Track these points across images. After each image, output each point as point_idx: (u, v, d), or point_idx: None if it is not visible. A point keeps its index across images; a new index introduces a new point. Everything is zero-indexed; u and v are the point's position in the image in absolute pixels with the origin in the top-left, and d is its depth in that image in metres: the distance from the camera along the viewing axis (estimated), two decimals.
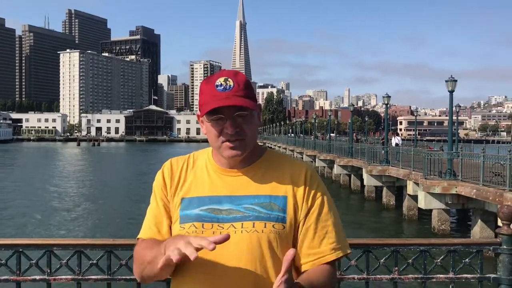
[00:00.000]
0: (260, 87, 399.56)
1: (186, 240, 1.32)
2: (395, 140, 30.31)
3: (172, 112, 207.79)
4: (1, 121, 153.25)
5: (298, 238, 1.57)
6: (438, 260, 2.36)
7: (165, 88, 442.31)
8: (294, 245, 1.55)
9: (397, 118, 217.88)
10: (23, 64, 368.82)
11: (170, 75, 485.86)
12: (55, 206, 23.47)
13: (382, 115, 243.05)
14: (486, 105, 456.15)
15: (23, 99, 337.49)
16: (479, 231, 15.50)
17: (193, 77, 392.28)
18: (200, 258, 1.41)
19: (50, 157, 68.49)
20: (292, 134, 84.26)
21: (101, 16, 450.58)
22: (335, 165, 31.81)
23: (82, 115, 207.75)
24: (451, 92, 18.37)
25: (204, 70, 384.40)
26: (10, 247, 2.24)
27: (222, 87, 1.49)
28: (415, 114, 62.45)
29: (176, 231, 1.56)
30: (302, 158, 46.00)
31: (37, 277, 2.26)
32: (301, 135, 64.75)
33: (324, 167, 37.62)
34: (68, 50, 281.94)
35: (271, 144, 77.54)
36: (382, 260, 2.34)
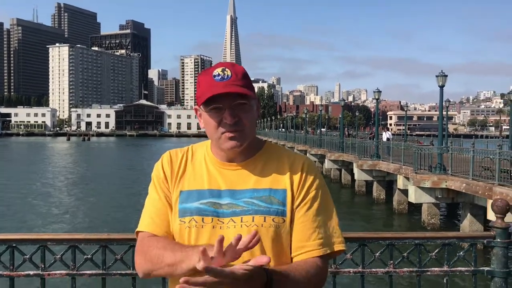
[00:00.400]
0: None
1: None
2: (386, 135, 30.53)
3: (163, 107, 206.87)
4: None
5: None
6: (433, 254, 2.38)
7: (156, 83, 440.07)
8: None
9: (387, 113, 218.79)
10: (12, 58, 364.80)
11: (160, 70, 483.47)
12: (48, 201, 23.34)
13: (372, 110, 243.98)
14: (475, 100, 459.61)
15: (12, 93, 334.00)
16: (468, 224, 15.66)
17: (183, 71, 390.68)
18: None
19: (40, 152, 67.96)
20: (283, 129, 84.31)
21: (90, 10, 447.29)
22: (326, 160, 31.91)
23: (72, 109, 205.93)
24: (441, 87, 18.47)
25: (194, 65, 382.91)
26: (3, 242, 2.22)
27: (220, 77, 1.47)
28: (405, 109, 62.81)
29: (176, 225, 1.54)
30: None
31: (31, 272, 2.25)
32: (292, 130, 64.82)
33: (315, 161, 37.68)
34: (57, 44, 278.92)
35: (262, 139, 77.41)
36: (377, 254, 2.35)
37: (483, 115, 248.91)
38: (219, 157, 1.58)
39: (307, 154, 39.63)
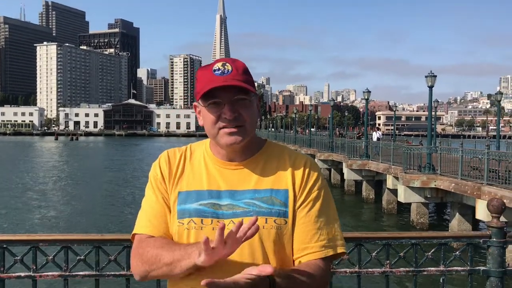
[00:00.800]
0: None
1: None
2: (376, 135, 30.61)
3: (152, 106, 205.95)
4: None
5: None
6: (429, 253, 2.37)
7: (145, 82, 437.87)
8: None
9: (376, 113, 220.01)
10: None
11: (149, 69, 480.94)
12: (38, 201, 23.12)
13: (361, 110, 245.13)
14: (462, 100, 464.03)
15: None
16: (457, 224, 15.78)
17: (172, 71, 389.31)
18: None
19: (28, 151, 67.27)
20: (273, 129, 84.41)
21: (79, 8, 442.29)
22: (315, 159, 31.96)
23: (60, 109, 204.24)
24: (431, 87, 18.59)
25: (184, 64, 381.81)
26: None
27: (220, 71, 1.43)
28: (394, 109, 63.10)
29: (174, 227, 1.50)
30: None
31: (22, 274, 2.20)
32: (282, 129, 64.93)
33: None
34: (45, 43, 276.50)
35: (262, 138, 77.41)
36: (374, 254, 2.34)
37: (470, 116, 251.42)
38: (219, 156, 1.54)
39: None
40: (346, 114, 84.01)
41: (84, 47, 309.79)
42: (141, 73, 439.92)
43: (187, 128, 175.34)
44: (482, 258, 2.78)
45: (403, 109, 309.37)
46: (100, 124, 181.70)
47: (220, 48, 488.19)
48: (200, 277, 1.39)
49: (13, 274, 2.19)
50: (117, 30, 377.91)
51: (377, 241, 2.36)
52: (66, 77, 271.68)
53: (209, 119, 1.46)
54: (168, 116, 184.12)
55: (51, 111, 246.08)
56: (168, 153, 1.62)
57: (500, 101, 29.23)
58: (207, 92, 1.43)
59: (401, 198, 17.37)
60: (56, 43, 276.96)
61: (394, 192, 19.28)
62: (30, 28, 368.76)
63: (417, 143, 30.25)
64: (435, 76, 18.59)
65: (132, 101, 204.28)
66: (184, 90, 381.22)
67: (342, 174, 27.01)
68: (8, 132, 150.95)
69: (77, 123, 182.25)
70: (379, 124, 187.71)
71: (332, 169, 30.30)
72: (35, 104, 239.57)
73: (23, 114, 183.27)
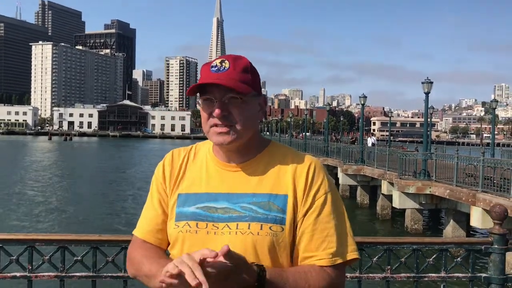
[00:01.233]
0: None
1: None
2: (371, 140, 30.74)
3: (147, 108, 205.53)
4: None
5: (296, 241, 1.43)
6: (431, 259, 2.36)
7: (140, 83, 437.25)
8: (293, 248, 1.42)
9: (371, 119, 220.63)
10: None
11: (145, 70, 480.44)
12: (35, 200, 22.95)
13: (356, 115, 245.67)
14: (457, 107, 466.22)
15: None
16: (451, 231, 15.80)
17: (168, 72, 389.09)
18: None
19: (21, 151, 66.90)
20: (268, 133, 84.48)
21: (75, 8, 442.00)
22: None
23: (54, 108, 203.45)
24: (427, 93, 18.66)
25: (180, 66, 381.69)
26: None
27: (216, 68, 1.40)
28: (389, 115, 63.33)
29: (171, 229, 1.48)
30: None
31: (18, 274, 2.16)
32: (276, 133, 65.01)
33: None
34: (40, 42, 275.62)
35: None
36: (375, 259, 2.32)
37: (464, 123, 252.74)
38: (219, 156, 1.50)
39: None
40: (341, 119, 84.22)
41: (80, 47, 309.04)
42: (137, 74, 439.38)
43: (181, 130, 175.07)
44: (482, 265, 2.76)
45: (398, 115, 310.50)
46: (95, 124, 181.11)
47: (217, 51, 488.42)
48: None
49: (8, 274, 2.15)
50: (113, 30, 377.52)
51: (378, 246, 2.34)
52: (61, 76, 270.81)
53: (203, 115, 1.44)
54: (163, 118, 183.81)
55: (45, 110, 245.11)
56: (173, 153, 1.59)
57: (495, 108, 29.36)
58: (202, 89, 1.41)
59: (396, 203, 17.38)
60: (52, 42, 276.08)
61: (389, 197, 19.30)
62: (26, 27, 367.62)
63: (412, 149, 30.37)
64: (432, 83, 18.67)
65: (127, 102, 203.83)
66: (179, 92, 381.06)
67: (337, 179, 27.01)
68: (1, 131, 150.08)
69: (71, 123, 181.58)
70: (373, 130, 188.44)
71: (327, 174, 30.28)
72: (29, 104, 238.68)
73: (16, 113, 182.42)
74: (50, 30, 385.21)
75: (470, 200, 13.53)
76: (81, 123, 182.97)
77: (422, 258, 2.34)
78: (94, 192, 26.54)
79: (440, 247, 2.37)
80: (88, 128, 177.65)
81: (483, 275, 2.38)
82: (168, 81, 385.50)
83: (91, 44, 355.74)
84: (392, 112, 64.57)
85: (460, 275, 2.40)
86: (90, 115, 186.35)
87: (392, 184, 18.24)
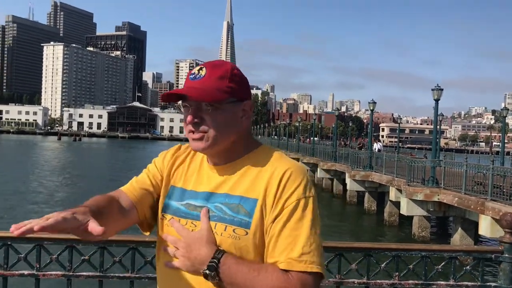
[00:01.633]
0: None
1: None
2: (377, 146, 30.60)
3: (156, 110, 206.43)
4: None
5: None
6: (439, 267, 2.33)
7: (150, 86, 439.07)
8: (261, 255, 1.36)
9: (380, 125, 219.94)
10: (5, 55, 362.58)
11: (155, 73, 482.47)
12: (43, 199, 23.12)
13: (365, 121, 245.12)
14: (466, 115, 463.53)
15: (4, 90, 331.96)
16: (459, 239, 15.69)
17: (178, 75, 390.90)
18: (165, 257, 1.43)
19: (31, 150, 67.41)
20: (276, 136, 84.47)
21: (87, 10, 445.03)
22: (318, 169, 31.91)
23: (64, 109, 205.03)
24: (437, 100, 18.57)
25: (189, 69, 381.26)
26: None
27: (193, 75, 1.41)
28: (398, 122, 63.02)
29: (158, 218, 1.52)
30: None
31: (25, 272, 2.17)
32: (284, 137, 64.95)
33: (307, 170, 37.73)
34: (52, 43, 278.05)
35: (258, 143, 77.63)
36: (383, 265, 2.31)
37: (474, 131, 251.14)
38: (208, 158, 1.53)
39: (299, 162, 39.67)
40: (350, 124, 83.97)
41: (91, 49, 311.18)
42: (147, 76, 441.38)
43: None
44: (492, 274, 2.73)
45: (407, 121, 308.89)
46: (104, 125, 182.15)
47: (226, 54, 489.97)
48: (162, 280, 1.50)
49: (16, 272, 2.16)
50: (124, 32, 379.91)
51: (386, 253, 2.32)
52: (71, 77, 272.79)
53: (184, 121, 1.46)
54: (171, 120, 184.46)
55: (55, 111, 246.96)
56: (180, 146, 1.62)
57: (506, 117, 29.14)
58: (182, 96, 1.42)
59: (404, 210, 17.29)
60: (63, 43, 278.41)
61: (397, 204, 19.21)
62: (38, 28, 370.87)
63: (421, 156, 30.21)
64: (442, 90, 18.57)
65: (136, 104, 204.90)
66: None
67: (344, 185, 26.94)
68: (11, 130, 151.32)
69: (80, 124, 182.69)
70: (382, 136, 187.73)
71: (335, 179, 30.23)
72: (39, 104, 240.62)
73: (27, 113, 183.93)
74: (61, 31, 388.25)
75: (479, 209, 13.42)
76: (90, 124, 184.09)
77: (430, 265, 2.32)
78: (103, 192, 26.62)
79: (449, 254, 2.35)
80: (97, 129, 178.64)
81: (493, 284, 2.36)
82: (177, 83, 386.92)
83: (102, 46, 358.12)
84: (401, 118, 64.45)
85: (469, 283, 2.37)
86: (100, 116, 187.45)
87: (400, 190, 18.15)
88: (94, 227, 1.21)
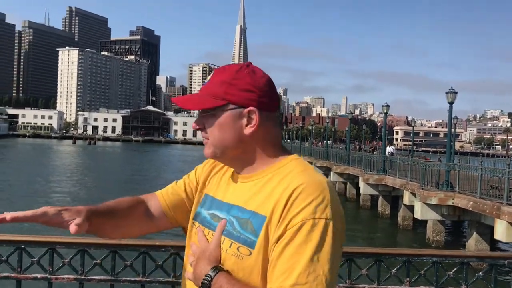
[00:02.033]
0: None
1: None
2: (389, 149, 30.45)
3: (170, 114, 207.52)
4: None
5: None
6: (451, 272, 2.31)
7: (163, 89, 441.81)
8: (266, 277, 1.23)
9: (394, 128, 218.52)
10: (22, 60, 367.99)
11: (168, 77, 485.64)
12: (58, 202, 23.34)
13: (379, 124, 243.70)
14: (482, 118, 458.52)
15: (20, 95, 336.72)
16: (474, 243, 15.49)
17: (191, 79, 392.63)
18: (187, 265, 1.42)
19: (46, 154, 68.21)
20: (288, 140, 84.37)
21: (102, 15, 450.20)
22: (331, 173, 31.79)
23: (79, 113, 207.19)
24: (451, 103, 18.41)
25: (203, 73, 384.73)
26: (11, 244, 2.18)
27: (205, 81, 1.42)
28: (412, 125, 62.60)
29: (190, 225, 1.48)
30: None
31: (39, 276, 2.20)
32: (297, 141, 64.87)
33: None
34: (67, 48, 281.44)
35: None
36: (393, 270, 2.29)
37: (489, 134, 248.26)
38: None
39: (313, 166, 39.56)
40: (363, 127, 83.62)
41: (105, 53, 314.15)
42: (160, 80, 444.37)
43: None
44: (505, 280, 2.70)
45: (422, 124, 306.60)
46: (118, 129, 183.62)
47: (239, 58, 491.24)
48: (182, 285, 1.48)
49: (30, 275, 2.19)
50: (138, 37, 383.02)
51: (397, 258, 2.31)
52: (86, 81, 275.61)
53: None
54: (185, 123, 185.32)
55: (70, 114, 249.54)
56: None
57: None
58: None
59: (418, 214, 17.14)
60: (78, 48, 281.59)
61: (411, 208, 19.06)
62: (53, 33, 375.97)
63: (435, 159, 29.94)
64: (456, 93, 18.42)
65: (150, 107, 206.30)
66: None
67: (358, 188, 26.81)
68: (27, 134, 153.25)
69: (95, 128, 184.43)
70: (396, 139, 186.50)
71: (348, 183, 30.09)
72: (55, 108, 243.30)
73: (42, 117, 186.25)
74: (76, 36, 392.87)
75: (495, 213, 13.25)
76: (105, 127, 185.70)
77: (442, 271, 2.30)
78: (116, 195, 26.81)
79: (460, 260, 2.32)
80: (111, 132, 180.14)
81: None
82: (191, 87, 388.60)
83: (116, 50, 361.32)
84: (415, 121, 63.74)
85: None
86: (114, 120, 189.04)
87: (414, 194, 18.01)
88: (71, 226, 1.32)
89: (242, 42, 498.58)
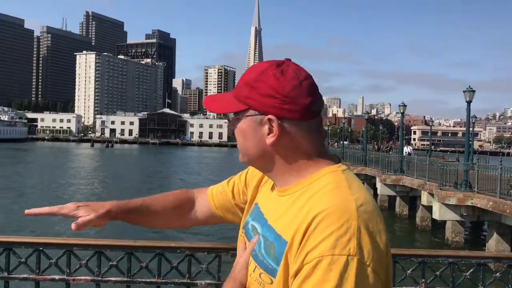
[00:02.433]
0: None
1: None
2: (406, 149, 30.16)
3: (186, 116, 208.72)
4: (17, 120, 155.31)
5: None
6: (467, 273, 2.29)
7: (179, 92, 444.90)
8: None
9: (411, 128, 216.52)
10: (40, 65, 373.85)
11: (184, 79, 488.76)
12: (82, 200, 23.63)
13: (396, 124, 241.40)
14: (501, 117, 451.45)
15: (39, 99, 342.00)
16: (494, 244, 15.27)
17: (207, 81, 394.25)
18: None
19: (64, 157, 69.14)
20: None
21: (118, 19, 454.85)
22: None
23: (97, 116, 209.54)
24: (469, 102, 18.20)
25: (218, 75, 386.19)
26: (30, 246, 2.22)
27: None
28: (430, 124, 61.95)
29: (240, 232, 1.38)
30: None
31: (56, 277, 2.23)
32: None
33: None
34: (84, 52, 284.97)
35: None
36: (409, 271, 2.27)
37: (510, 133, 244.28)
38: None
39: None
40: (380, 127, 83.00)
41: (122, 57, 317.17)
42: (176, 83, 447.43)
43: (219, 138, 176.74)
44: None
45: (440, 124, 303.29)
46: (135, 132, 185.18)
47: (254, 59, 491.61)
48: None
49: (48, 277, 2.22)
50: (154, 40, 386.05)
51: (412, 259, 2.29)
52: (103, 85, 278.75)
53: None
54: (201, 125, 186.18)
55: (88, 118, 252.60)
56: None
57: None
58: None
59: (436, 215, 16.97)
60: (95, 52, 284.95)
61: (429, 209, 18.87)
62: (71, 37, 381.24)
63: (453, 159, 29.58)
64: (474, 91, 18.19)
65: (166, 110, 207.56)
66: None
67: (375, 189, 26.63)
68: (46, 137, 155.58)
69: (113, 131, 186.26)
70: (414, 139, 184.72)
71: (365, 184, 29.91)
72: (73, 111, 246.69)
73: (61, 120, 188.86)
74: (93, 40, 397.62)
75: None
76: (122, 130, 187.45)
77: (458, 272, 2.27)
78: (135, 195, 27.03)
79: (477, 261, 2.30)
80: (129, 135, 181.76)
81: None
82: (206, 89, 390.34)
83: (132, 54, 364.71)
84: (433, 121, 63.15)
85: None
86: (131, 123, 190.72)
87: (432, 195, 17.83)
88: (72, 224, 1.48)
89: (257, 43, 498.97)
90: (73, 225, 1.41)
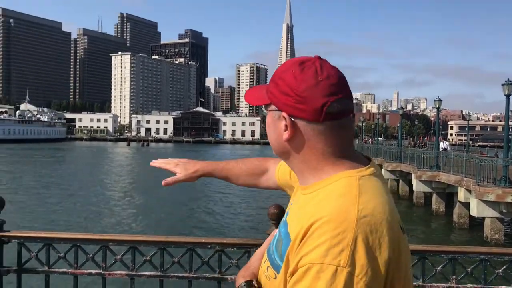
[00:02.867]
0: None
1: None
2: (442, 145, 29.50)
3: (218, 114, 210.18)
4: (56, 120, 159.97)
5: None
6: (500, 270, 2.26)
7: (212, 91, 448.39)
8: None
9: (448, 123, 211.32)
10: (78, 66, 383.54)
11: (217, 78, 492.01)
12: (112, 203, 24.25)
13: (432, 119, 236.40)
14: None
15: (77, 99, 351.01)
16: None
17: (239, 79, 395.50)
18: None
19: (102, 155, 70.81)
20: None
21: (151, 19, 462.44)
22: (382, 170, 31.18)
23: (132, 116, 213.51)
24: (508, 96, 17.67)
25: (250, 73, 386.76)
26: (69, 241, 2.32)
27: None
28: (467, 119, 60.38)
29: None
30: None
31: (93, 271, 2.33)
32: None
33: None
34: (120, 53, 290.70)
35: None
36: (439, 268, 2.26)
37: None
38: None
39: None
40: (416, 123, 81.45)
41: (156, 57, 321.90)
42: (209, 82, 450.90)
43: (251, 136, 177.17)
44: None
45: (478, 118, 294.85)
46: (170, 131, 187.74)
47: (286, 56, 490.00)
48: None
49: (85, 271, 2.33)
50: (187, 40, 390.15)
51: (442, 255, 2.28)
52: (138, 85, 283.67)
53: None
54: (233, 123, 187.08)
55: (124, 117, 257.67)
56: None
57: None
58: None
59: (474, 212, 16.56)
60: (130, 53, 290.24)
61: (466, 205, 18.42)
62: (107, 39, 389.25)
63: (492, 154, 28.76)
64: None
65: (200, 109, 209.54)
66: None
67: (410, 186, 26.19)
68: (84, 137, 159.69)
69: (148, 130, 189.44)
70: (451, 134, 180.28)
71: (401, 180, 29.46)
72: (109, 111, 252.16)
73: (98, 120, 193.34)
74: (128, 41, 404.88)
75: None
76: (157, 129, 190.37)
77: (490, 268, 2.25)
78: (167, 195, 27.47)
79: (510, 258, 2.26)
80: (163, 134, 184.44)
81: None
82: (239, 88, 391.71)
83: (166, 54, 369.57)
84: (470, 115, 61.43)
85: None
86: (166, 122, 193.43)
87: (469, 191, 17.40)
88: (163, 181, 1.77)
89: (289, 40, 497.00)
90: (163, 182, 1.66)
